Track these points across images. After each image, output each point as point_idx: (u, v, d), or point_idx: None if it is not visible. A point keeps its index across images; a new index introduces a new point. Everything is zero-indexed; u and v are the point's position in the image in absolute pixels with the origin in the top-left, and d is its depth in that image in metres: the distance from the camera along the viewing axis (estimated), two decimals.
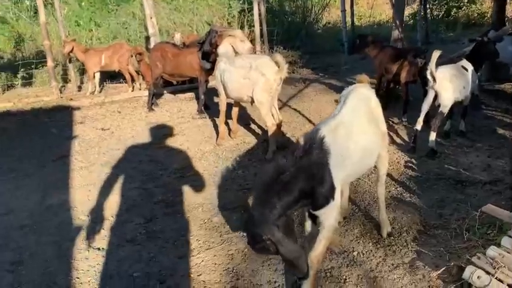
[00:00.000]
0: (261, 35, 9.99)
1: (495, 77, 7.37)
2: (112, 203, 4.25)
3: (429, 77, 4.68)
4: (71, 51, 8.43)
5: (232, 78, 5.28)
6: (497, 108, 6.32)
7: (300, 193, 2.40)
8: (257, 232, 2.23)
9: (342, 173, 2.64)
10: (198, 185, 4.55)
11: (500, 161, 4.56)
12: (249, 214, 2.29)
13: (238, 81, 5.20)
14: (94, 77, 8.78)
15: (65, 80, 9.69)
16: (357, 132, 2.77)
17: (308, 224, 2.89)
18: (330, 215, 2.59)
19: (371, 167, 3.32)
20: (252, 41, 10.40)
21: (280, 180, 2.31)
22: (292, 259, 2.29)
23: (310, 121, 6.46)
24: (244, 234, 3.54)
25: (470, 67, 5.07)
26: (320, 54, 11.73)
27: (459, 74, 4.88)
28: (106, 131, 6.58)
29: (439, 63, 4.75)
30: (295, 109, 7.08)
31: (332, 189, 2.54)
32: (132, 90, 8.77)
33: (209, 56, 6.59)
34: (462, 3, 14.50)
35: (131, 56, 8.56)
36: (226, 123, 6.05)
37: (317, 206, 2.52)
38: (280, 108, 6.94)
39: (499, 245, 2.70)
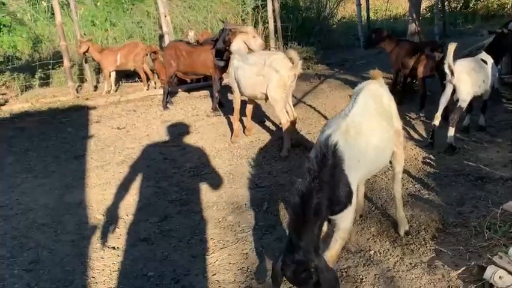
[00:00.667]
0: (275, 31, 9.92)
1: None
2: (127, 202, 4.27)
3: (447, 70, 4.56)
4: (87, 51, 8.52)
5: (245, 75, 5.25)
6: None
7: (327, 207, 2.37)
8: (303, 261, 2.19)
9: (357, 175, 2.59)
10: (213, 183, 4.53)
11: None
12: (292, 245, 2.24)
13: (252, 78, 5.17)
14: (110, 76, 8.85)
15: (82, 79, 9.80)
16: (368, 132, 2.70)
17: (324, 224, 2.83)
18: (346, 218, 2.55)
19: (386, 165, 3.24)
20: (266, 38, 10.37)
21: (310, 206, 2.26)
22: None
23: (325, 117, 6.39)
24: (256, 235, 3.54)
25: (490, 60, 4.92)
26: (335, 50, 11.61)
27: (478, 67, 4.74)
28: (121, 130, 6.62)
29: (459, 57, 4.63)
30: (310, 105, 7.02)
31: (350, 193, 2.50)
32: (147, 89, 8.82)
33: (223, 53, 6.57)
34: None
35: (146, 55, 8.63)
36: (241, 121, 6.02)
37: (335, 211, 2.47)
38: (295, 105, 6.90)
39: None
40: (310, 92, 7.81)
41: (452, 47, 4.40)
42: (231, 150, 5.44)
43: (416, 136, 5.36)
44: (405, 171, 4.34)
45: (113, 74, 8.91)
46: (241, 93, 5.48)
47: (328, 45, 11.63)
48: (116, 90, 9.04)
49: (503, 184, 3.93)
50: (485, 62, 4.89)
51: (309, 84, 8.30)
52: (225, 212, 3.97)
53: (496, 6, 13.88)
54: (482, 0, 14.15)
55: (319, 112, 6.66)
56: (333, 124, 2.70)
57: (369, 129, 2.73)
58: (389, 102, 3.07)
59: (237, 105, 5.66)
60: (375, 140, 2.76)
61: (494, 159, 4.46)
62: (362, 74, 8.59)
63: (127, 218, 4.00)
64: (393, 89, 6.75)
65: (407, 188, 4.04)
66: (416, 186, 4.10)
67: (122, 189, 4.52)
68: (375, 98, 2.95)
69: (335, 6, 12.90)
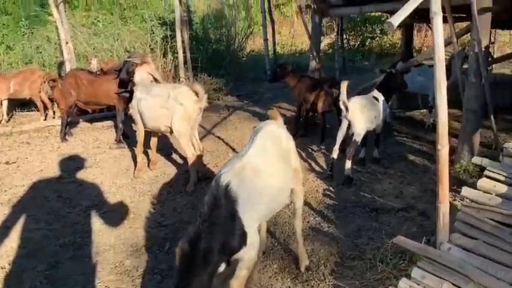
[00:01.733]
0: (185, 62, 9.88)
1: (406, 105, 7.85)
2: (10, 248, 3.82)
3: (342, 107, 4.84)
4: None
5: (149, 107, 5.10)
6: (407, 134, 6.68)
7: (220, 251, 2.30)
8: None
9: (255, 216, 2.58)
10: (111, 223, 4.24)
11: (411, 187, 4.77)
12: None
13: (155, 110, 5.04)
14: (1, 105, 8.10)
15: None
16: (266, 172, 2.71)
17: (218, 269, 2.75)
18: (248, 251, 2.51)
19: (285, 204, 3.26)
20: (176, 68, 10.28)
21: (198, 251, 2.18)
22: None
23: (233, 149, 6.39)
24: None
25: (381, 97, 5.31)
26: (244, 81, 11.84)
27: (370, 104, 5.09)
28: (11, 164, 6.01)
29: (355, 93, 4.93)
30: (219, 137, 6.99)
31: (244, 235, 2.47)
32: (45, 119, 8.20)
33: (126, 84, 6.33)
34: (375, 34, 15.51)
35: (44, 82, 8.05)
36: (146, 153, 5.79)
37: (231, 253, 2.41)
38: (204, 137, 6.86)
39: (409, 277, 2.74)
40: (219, 124, 7.81)
41: (344, 85, 4.70)
42: (133, 186, 5.18)
43: (317, 168, 5.55)
44: (306, 204, 4.45)
45: (5, 103, 8.16)
46: (144, 126, 5.29)
47: (238, 77, 11.84)
48: (8, 121, 8.27)
49: (395, 215, 4.18)
50: (377, 99, 5.27)
51: (219, 116, 8.32)
52: (122, 255, 3.71)
53: (388, 45, 15.30)
54: (377, 40, 15.51)
55: (227, 144, 6.66)
56: (229, 165, 2.68)
57: (267, 170, 2.75)
58: (287, 142, 3.13)
59: (140, 138, 5.45)
60: (274, 181, 2.78)
61: (387, 191, 4.76)
62: (269, 106, 8.82)
63: (8, 267, 3.56)
64: (297, 122, 7.02)
65: (308, 221, 4.13)
66: (316, 219, 4.21)
67: (6, 233, 4.04)
68: (273, 139, 2.99)
69: (243, 39, 13.25)
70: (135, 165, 5.65)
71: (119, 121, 6.71)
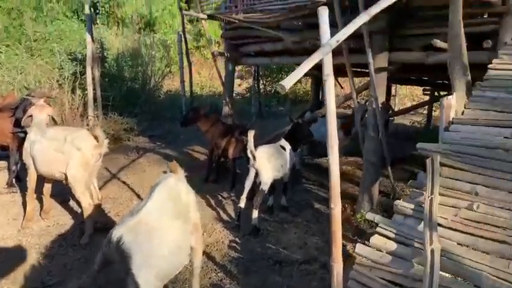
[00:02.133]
0: (95, 100, 9.44)
1: (314, 152, 8.11)
2: None
3: (249, 155, 4.83)
4: None
5: (43, 151, 4.73)
6: (315, 182, 6.83)
7: None
8: None
9: (150, 273, 2.40)
10: None
11: (315, 238, 4.80)
12: None
13: (49, 154, 4.68)
14: None
15: None
16: (163, 228, 2.58)
17: None
18: None
19: (185, 263, 3.07)
20: (85, 105, 9.77)
21: None
22: None
23: (139, 196, 6.06)
24: None
25: (287, 146, 5.40)
26: (160, 121, 11.58)
27: (277, 153, 5.15)
28: None
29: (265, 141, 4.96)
30: (124, 182, 6.61)
31: None
32: None
33: None
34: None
35: None
36: (40, 200, 5.27)
37: None
38: (107, 181, 6.47)
39: None
40: (126, 167, 7.41)
41: (251, 134, 4.72)
42: (19, 239, 4.64)
43: (225, 217, 5.42)
44: (210, 258, 4.29)
45: None
46: (37, 171, 4.85)
47: (154, 117, 11.57)
48: None
49: (297, 268, 4.13)
50: (284, 148, 5.34)
51: (127, 158, 7.92)
52: None
53: (302, 92, 15.99)
54: (292, 86, 16.14)
55: (133, 190, 6.30)
56: (123, 220, 2.52)
57: (164, 225, 2.62)
58: (187, 196, 3.03)
59: (31, 184, 4.98)
60: (171, 237, 2.66)
61: (292, 241, 4.74)
62: (182, 149, 8.68)
63: None
64: (209, 166, 6.90)
65: (210, 277, 3.95)
66: (219, 274, 4.03)
67: None
68: (172, 193, 2.88)
69: (160, 79, 13.11)
70: (25, 214, 5.11)
71: (12, 163, 6.13)
